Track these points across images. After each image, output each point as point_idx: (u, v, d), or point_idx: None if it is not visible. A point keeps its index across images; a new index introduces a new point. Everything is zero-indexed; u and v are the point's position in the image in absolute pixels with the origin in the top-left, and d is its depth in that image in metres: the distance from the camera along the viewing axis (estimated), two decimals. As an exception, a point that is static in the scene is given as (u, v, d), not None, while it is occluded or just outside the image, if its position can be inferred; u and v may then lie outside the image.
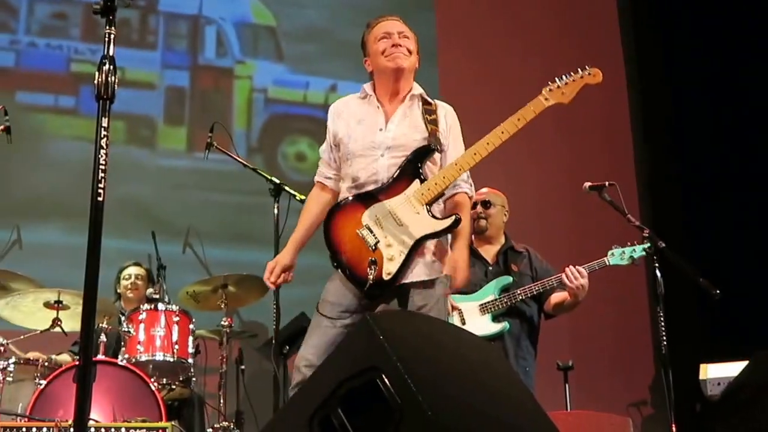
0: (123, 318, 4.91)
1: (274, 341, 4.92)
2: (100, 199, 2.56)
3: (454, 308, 4.59)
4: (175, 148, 6.66)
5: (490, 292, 4.61)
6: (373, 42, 3.60)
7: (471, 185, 3.62)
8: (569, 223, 7.16)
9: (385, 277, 3.31)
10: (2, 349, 4.59)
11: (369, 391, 2.32)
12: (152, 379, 4.48)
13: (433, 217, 3.40)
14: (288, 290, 5.08)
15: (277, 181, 5.11)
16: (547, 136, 7.36)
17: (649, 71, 7.87)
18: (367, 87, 3.61)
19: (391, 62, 3.50)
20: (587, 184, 4.42)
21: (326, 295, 3.46)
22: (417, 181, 3.41)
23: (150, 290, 5.12)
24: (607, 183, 4.38)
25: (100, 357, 4.49)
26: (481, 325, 4.51)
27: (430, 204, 3.40)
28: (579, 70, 3.45)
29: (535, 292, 4.55)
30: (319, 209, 3.63)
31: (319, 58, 6.99)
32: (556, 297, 4.62)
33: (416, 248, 3.35)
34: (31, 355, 4.73)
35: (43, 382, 4.32)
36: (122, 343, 4.79)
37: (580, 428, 4.29)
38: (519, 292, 4.55)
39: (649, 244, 4.33)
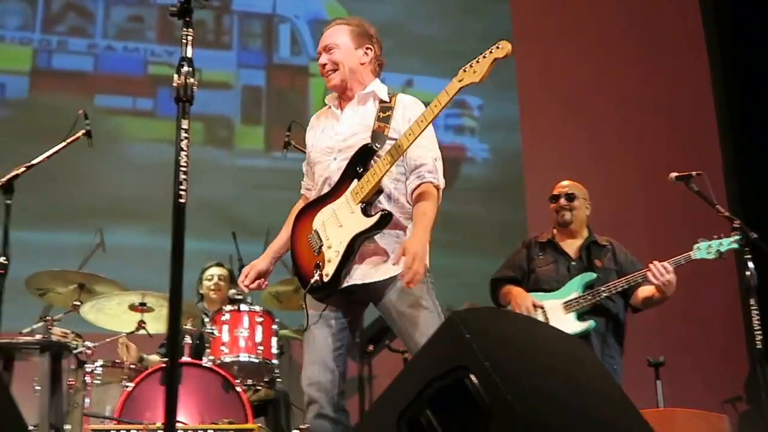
0: (206, 319, 4.92)
1: (358, 341, 4.88)
2: (182, 201, 2.55)
3: (536, 306, 4.50)
4: (252, 148, 6.69)
5: (573, 288, 4.50)
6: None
7: (436, 174, 3.44)
8: (648, 216, 6.99)
9: (324, 279, 3.29)
10: (90, 352, 4.65)
11: (457, 390, 2.28)
12: (237, 380, 4.48)
13: (366, 215, 3.31)
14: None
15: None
16: (626, 127, 7.21)
17: (734, 57, 7.64)
18: (329, 99, 3.60)
19: (327, 84, 3.54)
20: (673, 174, 4.29)
21: (307, 310, 3.43)
22: (355, 181, 3.36)
23: (232, 291, 5.12)
24: (694, 173, 4.24)
25: (186, 359, 4.50)
26: (566, 323, 4.39)
27: (367, 202, 3.31)
28: (490, 47, 3.20)
29: (620, 289, 4.42)
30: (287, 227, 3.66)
31: (394, 53, 6.90)
32: (644, 291, 4.48)
33: (352, 248, 3.28)
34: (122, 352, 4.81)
35: (130, 385, 4.35)
36: (206, 345, 4.80)
37: (674, 426, 4.16)
38: (603, 288, 4.42)
39: (740, 236, 4.17)
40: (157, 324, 4.84)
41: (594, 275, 4.50)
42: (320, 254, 3.31)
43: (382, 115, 3.42)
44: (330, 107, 3.57)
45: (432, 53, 6.94)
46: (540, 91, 7.39)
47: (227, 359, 4.72)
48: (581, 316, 4.43)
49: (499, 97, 7.26)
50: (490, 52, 3.18)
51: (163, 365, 4.47)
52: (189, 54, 2.65)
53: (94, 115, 4.89)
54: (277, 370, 4.87)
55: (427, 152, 3.40)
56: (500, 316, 2.93)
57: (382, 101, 3.48)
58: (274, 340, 4.87)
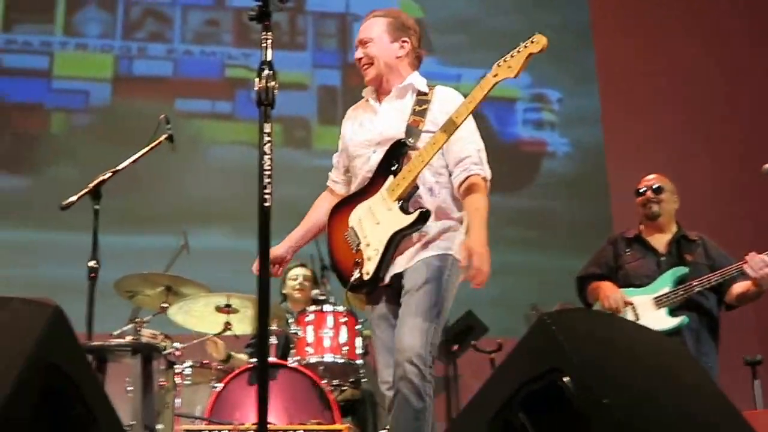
0: (290, 320, 4.93)
1: (443, 340, 4.84)
2: (267, 204, 2.55)
3: (626, 303, 4.40)
4: (330, 148, 6.66)
5: (664, 284, 4.38)
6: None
7: (483, 166, 3.37)
8: (743, 209, 6.78)
9: (365, 277, 3.25)
10: (179, 353, 4.71)
11: (551, 393, 2.23)
12: (323, 381, 4.48)
13: (404, 212, 3.24)
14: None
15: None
16: (713, 119, 7.02)
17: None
18: (367, 92, 3.54)
19: (364, 77, 3.50)
20: (767, 166, 4.15)
21: (370, 315, 3.45)
22: (391, 177, 3.29)
23: (315, 291, 5.13)
24: (789, 164, 4.11)
25: (272, 359, 4.52)
26: (658, 319, 4.28)
27: (404, 199, 3.25)
28: (525, 41, 3.13)
29: (714, 283, 4.28)
30: (321, 212, 3.62)
31: (470, 48, 6.88)
32: (739, 287, 4.33)
33: (391, 245, 3.24)
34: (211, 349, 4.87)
35: (219, 385, 4.39)
36: (291, 345, 4.82)
37: (772, 428, 4.02)
38: (696, 283, 4.29)
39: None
40: (242, 325, 4.87)
41: (686, 269, 4.37)
42: (358, 252, 3.28)
43: (417, 108, 3.37)
44: (368, 100, 3.51)
45: (507, 48, 6.82)
46: (621, 82, 7.25)
47: (312, 360, 4.72)
48: (673, 312, 4.32)
49: (578, 89, 7.14)
50: (525, 46, 3.11)
51: (251, 366, 4.50)
52: (269, 58, 2.66)
53: (174, 119, 4.94)
54: (362, 370, 4.85)
55: (469, 144, 3.34)
56: (593, 317, 2.88)
57: (420, 93, 3.42)
58: (358, 340, 4.85)
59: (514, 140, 6.97)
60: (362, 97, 3.57)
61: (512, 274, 6.52)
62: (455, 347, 5.25)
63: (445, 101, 3.39)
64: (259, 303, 2.48)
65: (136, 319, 4.74)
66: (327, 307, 4.83)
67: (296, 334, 4.79)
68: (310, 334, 4.79)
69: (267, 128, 2.57)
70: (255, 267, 3.40)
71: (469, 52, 6.92)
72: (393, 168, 3.29)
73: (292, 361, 4.67)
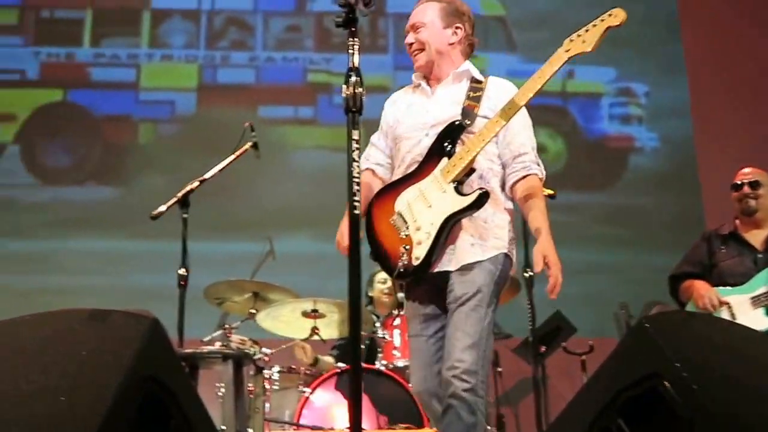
0: (377, 323, 4.93)
1: (530, 341, 4.78)
2: (357, 212, 2.54)
3: (722, 303, 4.27)
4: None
5: (761, 282, 4.24)
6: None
7: (541, 167, 3.27)
8: None
9: (414, 263, 3.09)
10: (267, 358, 4.75)
11: (651, 399, 2.17)
12: (410, 385, 4.46)
13: (460, 194, 3.11)
14: (541, 288, 4.94)
15: (521, 177, 4.95)
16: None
17: None
18: (416, 77, 3.42)
19: (414, 63, 3.40)
20: None
21: (407, 315, 3.32)
22: (445, 159, 3.16)
23: (401, 294, 5.11)
24: None
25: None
26: (754, 320, 4.14)
27: (458, 181, 3.12)
28: (602, 15, 3.03)
29: (815, 282, 4.14)
30: (372, 194, 3.38)
31: (553, 44, 6.71)
32: (843, 285, 4.17)
33: (444, 229, 3.09)
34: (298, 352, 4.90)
35: (307, 390, 4.41)
36: (378, 349, 4.81)
37: None
38: (796, 281, 4.15)
39: None
40: (329, 330, 4.89)
41: (785, 268, 4.23)
42: (407, 237, 3.13)
43: (472, 94, 3.27)
44: (419, 85, 3.39)
45: (593, 42, 6.73)
46: (711, 74, 7.05)
47: (400, 363, 4.72)
48: (771, 312, 4.18)
49: (666, 82, 6.97)
50: (602, 20, 3.03)
51: (339, 370, 4.51)
52: (356, 64, 2.65)
53: (258, 125, 4.99)
54: (448, 374, 4.82)
55: (528, 141, 3.25)
56: (692, 319, 2.77)
57: (474, 80, 3.33)
58: (444, 344, 4.82)
59: (600, 136, 6.85)
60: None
61: (601, 272, 6.41)
62: (543, 348, 5.17)
63: (502, 89, 3.30)
64: (350, 308, 2.48)
65: (225, 325, 4.80)
66: (414, 311, 4.81)
67: (383, 338, 4.79)
68: (397, 338, 4.80)
69: (355, 135, 2.56)
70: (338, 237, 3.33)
71: (552, 47, 6.80)
72: (447, 149, 3.18)
73: (379, 365, 4.67)
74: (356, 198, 2.55)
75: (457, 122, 3.18)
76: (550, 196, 4.78)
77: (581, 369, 5.53)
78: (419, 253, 3.09)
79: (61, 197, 6.60)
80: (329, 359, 5.16)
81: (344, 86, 2.66)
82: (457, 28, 3.36)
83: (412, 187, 3.19)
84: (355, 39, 2.70)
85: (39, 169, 6.68)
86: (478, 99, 3.25)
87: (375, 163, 3.46)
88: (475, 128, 3.18)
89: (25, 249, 6.41)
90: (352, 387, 2.47)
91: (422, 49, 3.33)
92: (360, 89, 2.64)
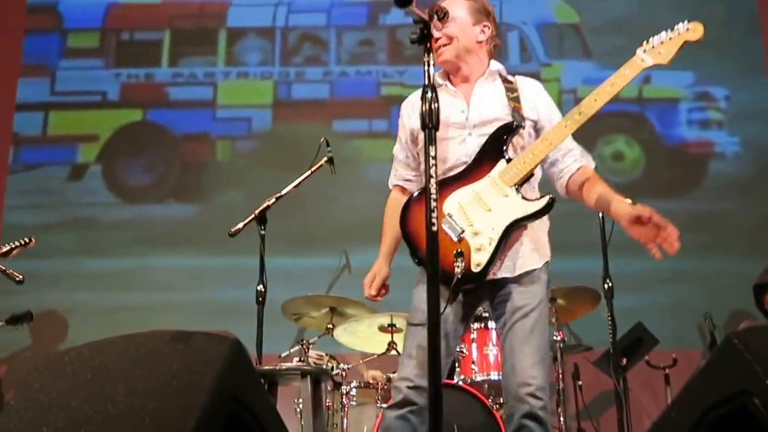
0: (454, 337, 4.89)
1: (611, 354, 4.70)
2: (435, 228, 2.53)
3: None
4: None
5: None
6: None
7: (588, 156, 3.21)
8: None
9: (474, 269, 2.95)
10: (344, 374, 4.76)
11: (741, 417, 2.12)
12: (489, 399, 4.43)
13: (524, 198, 3.02)
14: (622, 298, 4.86)
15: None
16: None
17: None
18: (438, 76, 3.27)
19: (437, 58, 3.21)
20: None
21: (417, 303, 3.09)
22: (502, 161, 3.05)
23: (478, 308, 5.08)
24: None
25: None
26: None
27: (519, 185, 3.03)
28: (678, 26, 2.95)
29: None
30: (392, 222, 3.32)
31: (629, 50, 6.61)
32: None
33: (507, 235, 2.98)
34: (371, 375, 4.87)
35: (385, 405, 4.39)
36: (456, 364, 4.78)
37: None
38: None
39: None
40: (407, 344, 4.86)
41: None
42: (461, 241, 2.99)
43: (511, 95, 3.18)
44: (440, 85, 3.21)
45: (669, 46, 6.62)
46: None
47: (478, 378, 4.69)
48: None
49: (747, 85, 6.80)
50: (679, 33, 2.93)
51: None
52: (432, 79, 2.65)
53: (332, 139, 5.02)
54: (528, 387, 4.77)
55: (571, 138, 3.14)
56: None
57: (505, 81, 3.25)
58: (524, 357, 4.77)
59: (678, 142, 6.71)
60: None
61: (683, 281, 6.27)
62: (624, 361, 5.06)
63: (537, 91, 3.26)
64: (429, 322, 2.46)
65: (303, 341, 4.83)
66: (491, 324, 4.78)
67: (461, 352, 4.76)
68: (474, 352, 4.76)
69: (432, 151, 2.55)
70: (367, 292, 3.35)
71: (628, 53, 6.70)
72: (505, 151, 3.07)
73: (457, 380, 4.65)
74: (434, 215, 2.53)
75: (514, 124, 3.10)
76: (629, 206, 4.71)
77: (665, 382, 5.40)
78: (480, 259, 2.98)
79: (141, 215, 6.73)
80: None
81: (420, 102, 2.65)
82: (485, 26, 3.29)
83: (463, 189, 3.07)
84: (431, 55, 2.68)
85: (120, 187, 6.82)
86: (517, 99, 3.18)
87: (403, 179, 3.38)
88: (525, 130, 3.13)
89: (107, 267, 6.54)
90: (432, 402, 2.44)
91: (449, 43, 3.22)
92: (436, 105, 2.62)
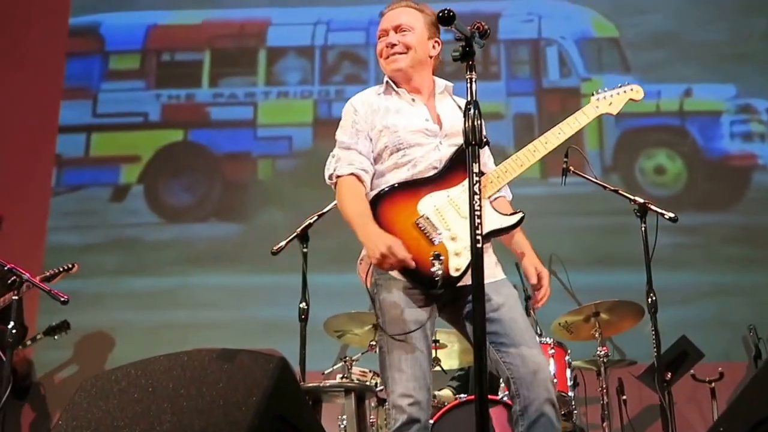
0: (497, 353, 4.87)
1: (656, 368, 4.65)
2: (479, 245, 2.53)
3: None
4: (529, 176, 6.60)
5: None
6: (379, 40, 3.33)
7: (507, 188, 3.33)
8: None
9: (454, 273, 2.96)
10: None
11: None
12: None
13: (496, 211, 3.10)
14: (666, 312, 4.81)
15: (642, 201, 4.85)
16: None
17: None
18: (389, 82, 3.28)
19: (387, 65, 3.26)
20: None
21: (394, 312, 3.02)
22: None
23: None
24: None
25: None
26: None
27: (490, 198, 3.11)
28: (623, 84, 3.33)
29: None
30: (366, 200, 3.15)
31: (669, 63, 6.62)
32: None
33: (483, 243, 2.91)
34: (442, 395, 4.87)
35: (431, 421, 4.38)
36: (500, 380, 4.75)
37: None
38: None
39: None
40: (450, 360, 4.87)
41: None
42: (440, 245, 2.98)
43: (461, 109, 3.14)
44: (390, 92, 3.24)
45: (710, 59, 6.57)
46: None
47: (522, 394, 4.65)
48: None
49: (790, 98, 6.72)
50: (625, 91, 3.28)
51: (462, 401, 4.47)
52: (474, 97, 2.65)
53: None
54: (573, 403, 4.73)
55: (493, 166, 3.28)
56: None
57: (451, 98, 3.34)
58: (568, 372, 4.74)
59: (721, 155, 6.63)
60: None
61: (727, 294, 6.20)
62: (668, 375, 5.00)
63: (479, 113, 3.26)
64: (475, 338, 2.47)
65: (346, 357, 4.84)
66: (535, 340, 4.74)
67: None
68: (519, 368, 4.73)
69: (475, 168, 2.56)
70: (402, 257, 2.97)
71: (668, 67, 6.66)
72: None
73: (501, 396, 4.62)
74: (478, 231, 2.54)
75: (486, 138, 2.98)
76: (671, 220, 4.67)
77: (711, 396, 5.33)
78: (459, 263, 2.98)
79: (184, 234, 6.78)
80: (446, 392, 5.11)
81: (463, 119, 2.66)
82: (436, 42, 3.32)
83: (438, 193, 3.07)
84: (473, 72, 2.70)
85: (162, 207, 6.88)
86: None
87: (361, 169, 3.20)
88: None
89: (151, 286, 6.59)
90: (478, 417, 2.43)
91: (405, 53, 3.24)
92: (479, 122, 2.62)
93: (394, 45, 3.24)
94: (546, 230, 6.25)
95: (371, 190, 3.18)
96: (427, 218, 3.03)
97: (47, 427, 6.18)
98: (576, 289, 5.92)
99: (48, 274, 5.46)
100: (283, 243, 4.74)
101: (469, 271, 2.88)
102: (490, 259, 3.13)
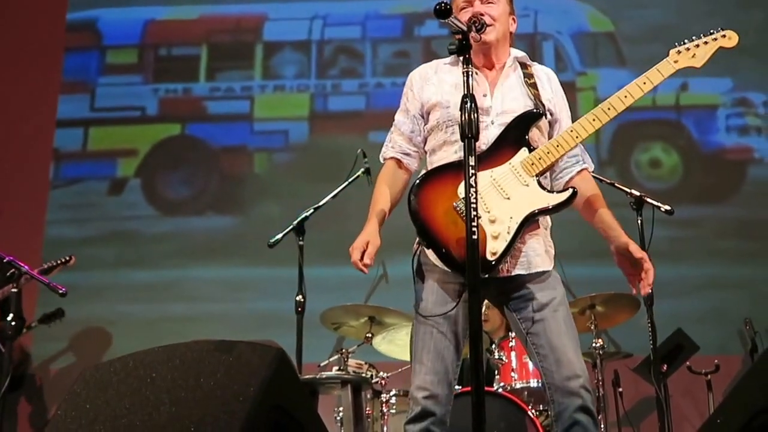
0: (493, 346, 4.90)
1: (652, 360, 4.68)
2: (475, 237, 2.54)
3: None
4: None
5: None
6: (456, 11, 3.09)
7: (588, 157, 3.16)
8: None
9: (489, 258, 2.80)
10: (383, 382, 4.78)
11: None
12: (529, 406, 4.42)
13: (545, 190, 2.95)
14: (661, 305, 4.83)
15: (638, 194, 4.86)
16: None
17: None
18: (452, 59, 3.16)
19: (479, 37, 3.00)
20: None
21: (426, 295, 2.99)
22: (524, 149, 2.95)
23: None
24: None
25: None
26: None
27: (540, 175, 2.94)
28: (713, 31, 3.00)
29: None
30: (397, 189, 3.16)
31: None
32: None
33: (524, 225, 2.88)
34: None
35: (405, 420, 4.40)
36: (496, 372, 4.78)
37: None
38: None
39: None
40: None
41: None
42: (477, 227, 2.77)
43: (528, 81, 3.10)
44: (458, 63, 2.90)
45: (708, 53, 6.58)
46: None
47: (518, 385, 4.69)
48: None
49: (786, 91, 6.74)
50: (715, 39, 2.97)
51: (457, 393, 4.49)
52: (471, 90, 2.65)
53: (368, 150, 5.04)
54: (569, 395, 4.75)
55: None
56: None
57: (524, 67, 3.16)
58: (564, 365, 4.76)
59: (716, 149, 6.65)
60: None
61: (722, 287, 6.22)
62: (664, 367, 5.03)
63: (554, 82, 3.19)
64: (471, 332, 2.47)
65: (342, 350, 4.86)
66: (531, 332, 4.76)
67: (500, 360, 4.76)
68: (514, 360, 4.76)
69: (471, 161, 2.56)
70: (359, 257, 3.08)
71: (665, 61, 6.66)
72: (526, 140, 2.98)
73: (497, 388, 4.65)
74: (474, 224, 2.53)
75: (536, 110, 3.02)
76: (667, 212, 4.69)
77: (707, 388, 5.36)
78: (497, 247, 2.86)
79: (181, 228, 6.79)
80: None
81: (459, 113, 2.63)
82: (514, 18, 3.23)
83: (481, 174, 2.83)
84: (469, 65, 2.68)
85: (160, 200, 6.89)
86: (535, 86, 3.11)
87: (402, 152, 3.20)
88: (556, 113, 3.10)
89: (148, 279, 6.61)
90: (475, 409, 2.44)
91: (493, 25, 3.08)
92: (475, 115, 2.61)
93: (482, 15, 3.06)
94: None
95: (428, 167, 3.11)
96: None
97: (44, 418, 6.21)
98: (572, 282, 5.92)
99: (46, 266, 5.51)
100: (279, 236, 4.76)
101: (514, 260, 2.92)
102: (539, 245, 3.01)
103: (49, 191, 6.96)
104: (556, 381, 2.87)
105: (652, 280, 2.93)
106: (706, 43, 2.98)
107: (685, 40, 3.02)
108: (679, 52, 3.01)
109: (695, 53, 2.98)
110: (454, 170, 2.93)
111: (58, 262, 5.58)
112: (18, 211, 6.70)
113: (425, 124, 3.19)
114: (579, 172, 3.12)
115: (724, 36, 2.97)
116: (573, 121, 3.06)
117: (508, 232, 2.87)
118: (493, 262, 2.84)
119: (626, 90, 2.97)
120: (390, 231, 3.15)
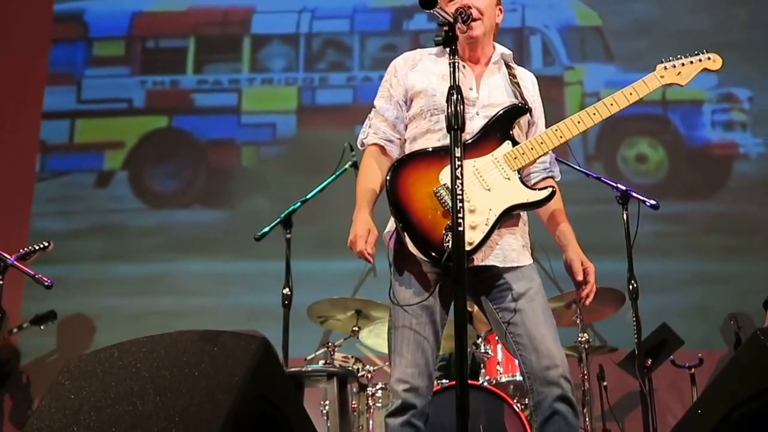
0: (480, 339, 4.91)
1: (636, 355, 4.70)
2: (461, 229, 2.55)
3: None
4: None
5: None
6: (443, 2, 3.07)
7: (557, 168, 3.22)
8: None
9: (467, 247, 2.71)
10: (370, 375, 4.79)
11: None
12: (515, 400, 4.44)
13: (526, 185, 2.97)
14: (647, 299, 4.85)
15: (623, 188, 4.87)
16: None
17: None
18: (439, 50, 3.16)
19: (465, 31, 3.02)
20: None
21: (403, 284, 2.99)
22: (508, 142, 2.98)
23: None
24: None
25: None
26: None
27: (521, 171, 2.98)
28: (699, 53, 3.13)
29: None
30: (383, 176, 3.07)
31: (653, 53, 6.64)
32: None
33: (503, 218, 2.91)
34: None
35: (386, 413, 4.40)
36: (481, 365, 4.80)
37: None
38: None
39: None
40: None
41: None
42: None
43: (513, 80, 3.14)
44: (445, 55, 2.93)
45: (692, 48, 6.57)
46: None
47: (503, 379, 4.71)
48: None
49: (771, 86, 6.77)
50: (700, 60, 3.09)
51: (443, 387, 4.50)
52: (458, 82, 2.66)
53: (355, 144, 5.04)
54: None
55: None
56: (807, 329, 2.67)
57: (508, 66, 3.20)
58: (548, 358, 4.78)
59: (702, 144, 6.68)
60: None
61: (707, 282, 6.25)
62: (649, 362, 5.05)
63: (535, 86, 3.24)
64: (456, 325, 2.48)
65: (328, 343, 4.87)
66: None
67: (486, 353, 4.77)
68: (500, 354, 4.78)
69: (457, 152, 2.57)
70: (363, 248, 3.05)
71: (651, 56, 6.67)
72: (511, 134, 3.01)
73: (482, 381, 4.66)
74: (460, 215, 2.54)
75: (523, 106, 3.06)
76: (653, 207, 4.70)
77: (691, 382, 5.39)
78: (474, 237, 2.86)
79: (168, 221, 6.78)
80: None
81: (445, 105, 2.64)
82: (500, 9, 3.24)
83: (464, 163, 2.71)
84: (456, 57, 2.68)
85: (146, 193, 6.88)
86: (519, 86, 3.14)
87: (385, 138, 3.19)
88: (535, 116, 3.15)
89: (134, 272, 6.59)
90: (459, 402, 2.44)
91: (480, 19, 3.09)
92: (462, 107, 2.62)
93: (469, 8, 3.04)
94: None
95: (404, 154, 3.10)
96: (447, 188, 2.87)
97: (28, 414, 6.19)
98: (557, 276, 5.94)
99: (23, 252, 5.24)
100: (266, 229, 4.76)
101: (490, 250, 2.94)
102: (515, 241, 3.04)
103: (35, 184, 6.93)
104: (535, 370, 2.88)
105: (590, 300, 3.07)
106: (692, 62, 3.10)
107: (671, 57, 3.14)
108: (665, 68, 3.11)
109: (681, 71, 3.10)
110: (437, 156, 2.95)
111: (36, 247, 5.37)
112: (4, 204, 6.68)
113: (407, 111, 3.18)
114: (544, 179, 3.17)
115: (709, 59, 3.11)
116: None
117: (486, 224, 2.90)
118: (469, 252, 2.84)
119: (612, 98, 3.05)
120: (377, 225, 3.14)
